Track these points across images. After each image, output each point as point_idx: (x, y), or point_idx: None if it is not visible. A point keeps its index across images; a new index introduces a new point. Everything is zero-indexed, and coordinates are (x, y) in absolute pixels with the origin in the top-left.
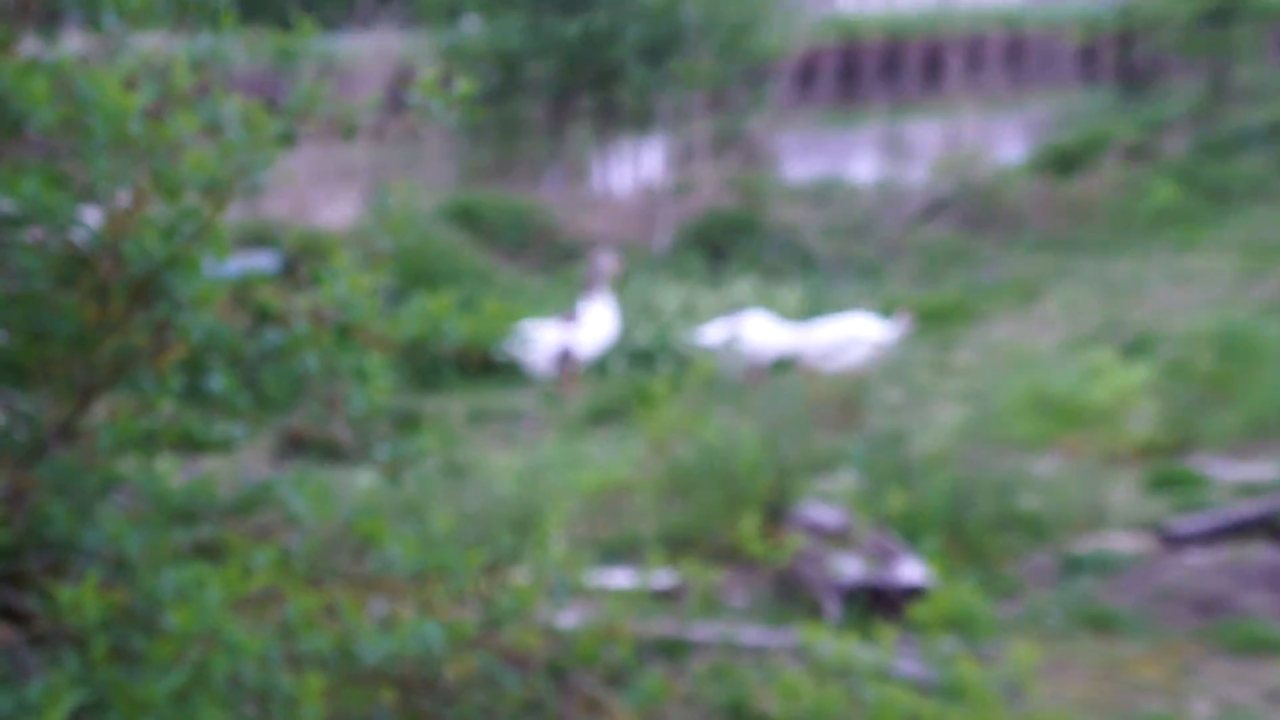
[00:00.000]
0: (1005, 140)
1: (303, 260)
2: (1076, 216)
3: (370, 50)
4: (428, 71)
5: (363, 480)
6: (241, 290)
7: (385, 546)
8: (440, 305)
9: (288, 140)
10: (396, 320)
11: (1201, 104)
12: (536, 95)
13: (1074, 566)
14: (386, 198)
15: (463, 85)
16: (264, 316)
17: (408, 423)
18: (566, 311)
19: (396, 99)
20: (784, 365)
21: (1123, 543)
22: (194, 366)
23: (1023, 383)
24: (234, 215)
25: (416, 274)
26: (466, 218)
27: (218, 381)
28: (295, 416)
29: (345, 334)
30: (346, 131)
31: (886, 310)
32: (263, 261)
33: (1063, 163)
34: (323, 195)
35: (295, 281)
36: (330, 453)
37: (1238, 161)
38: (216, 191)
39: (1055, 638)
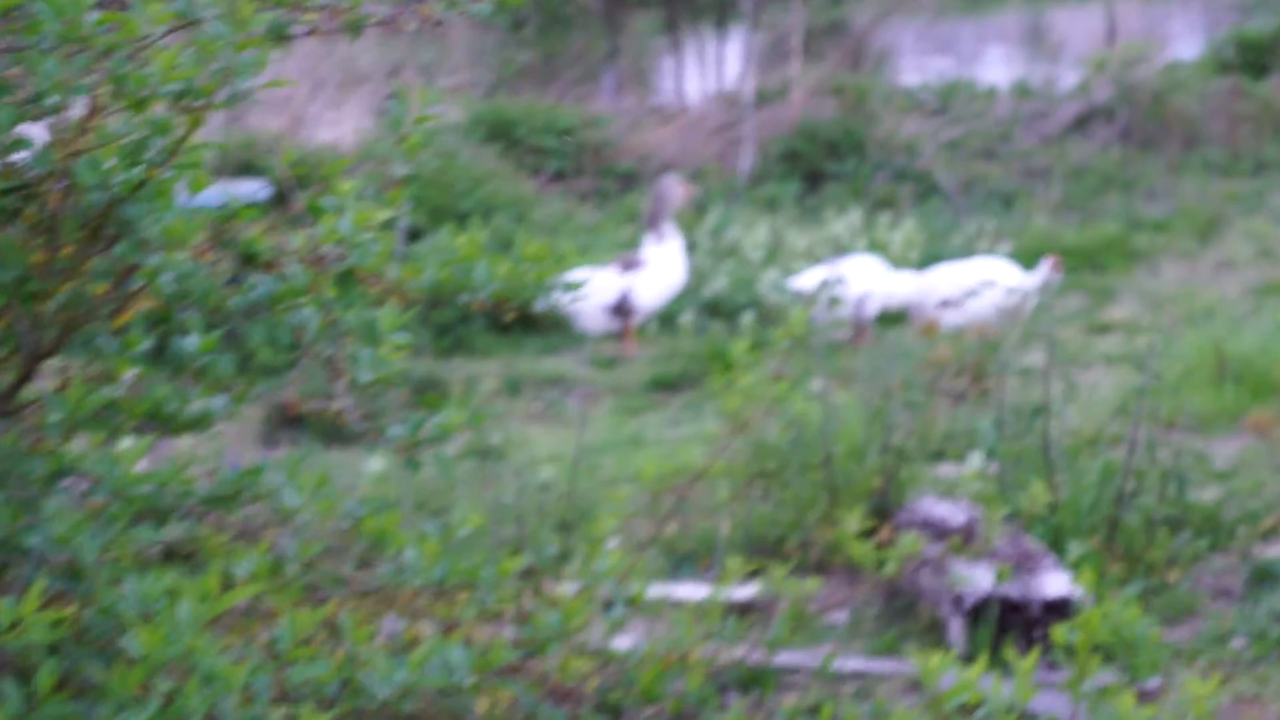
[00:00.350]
0: (1178, 31)
1: (299, 189)
2: (1270, 128)
3: None
4: None
5: (373, 466)
6: (223, 227)
7: (400, 550)
8: (469, 245)
9: (280, 36)
10: (414, 264)
11: None
12: None
13: (1263, 577)
14: (402, 109)
15: None
16: (250, 260)
17: (429, 393)
18: (626, 253)
19: None
20: (896, 321)
21: None
22: (163, 323)
23: (1199, 343)
24: (215, 132)
25: (440, 206)
26: (502, 134)
27: (193, 342)
28: (289, 386)
29: (350, 282)
30: (351, 25)
31: (1025, 251)
32: (250, 191)
33: (1253, 58)
34: (325, 108)
35: (289, 216)
36: (333, 432)
37: None
38: (192, 102)
39: (1240, 667)
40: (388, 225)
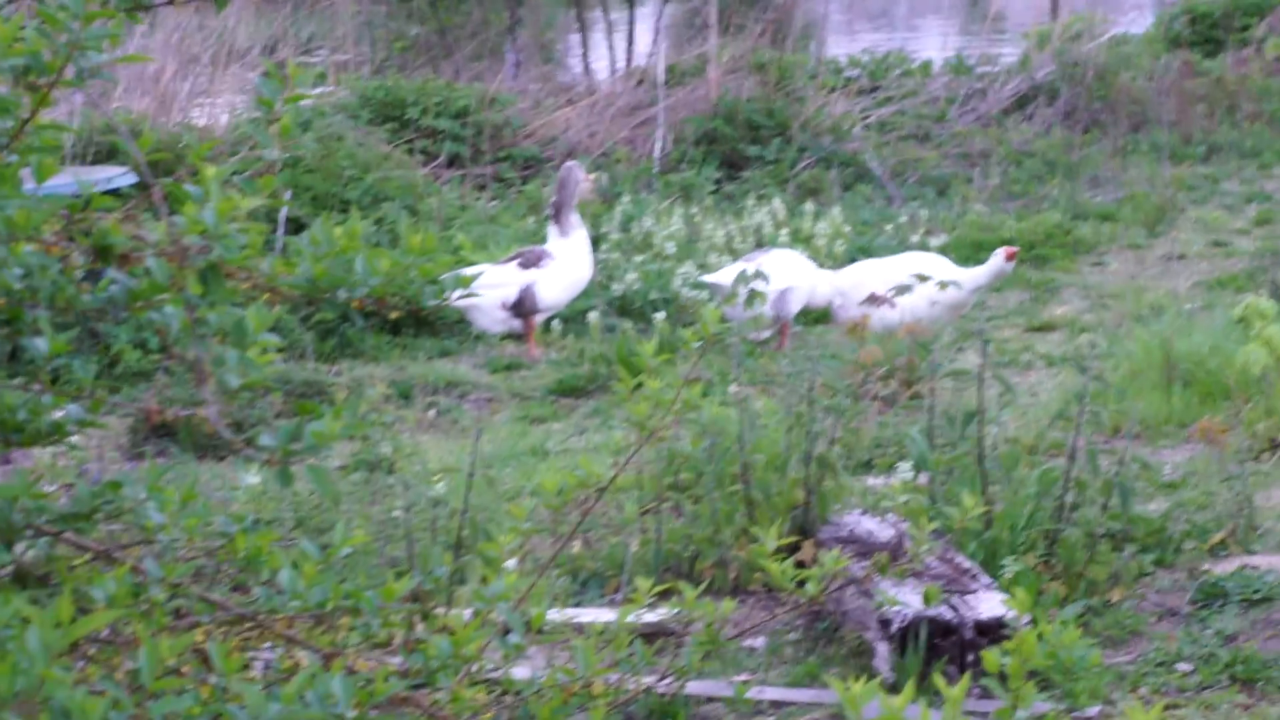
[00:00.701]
0: (1126, 3)
1: (162, 176)
2: (1222, 109)
3: None
4: None
5: (250, 480)
6: (76, 217)
7: (276, 571)
8: (350, 237)
9: (135, 6)
10: (288, 258)
11: None
12: None
13: (1212, 596)
14: (276, 88)
15: None
16: (106, 253)
17: (310, 399)
18: (528, 246)
19: None
20: (821, 319)
21: (1279, 564)
22: (11, 323)
23: (1146, 342)
24: (71, 114)
25: (324, 194)
26: (392, 116)
27: (43, 344)
28: (152, 392)
29: (215, 277)
30: None
31: (961, 243)
32: (107, 178)
33: (1206, 33)
34: (197, 87)
35: (150, 206)
36: (206, 442)
37: None
38: (37, 79)
39: (1186, 694)
40: (257, 215)
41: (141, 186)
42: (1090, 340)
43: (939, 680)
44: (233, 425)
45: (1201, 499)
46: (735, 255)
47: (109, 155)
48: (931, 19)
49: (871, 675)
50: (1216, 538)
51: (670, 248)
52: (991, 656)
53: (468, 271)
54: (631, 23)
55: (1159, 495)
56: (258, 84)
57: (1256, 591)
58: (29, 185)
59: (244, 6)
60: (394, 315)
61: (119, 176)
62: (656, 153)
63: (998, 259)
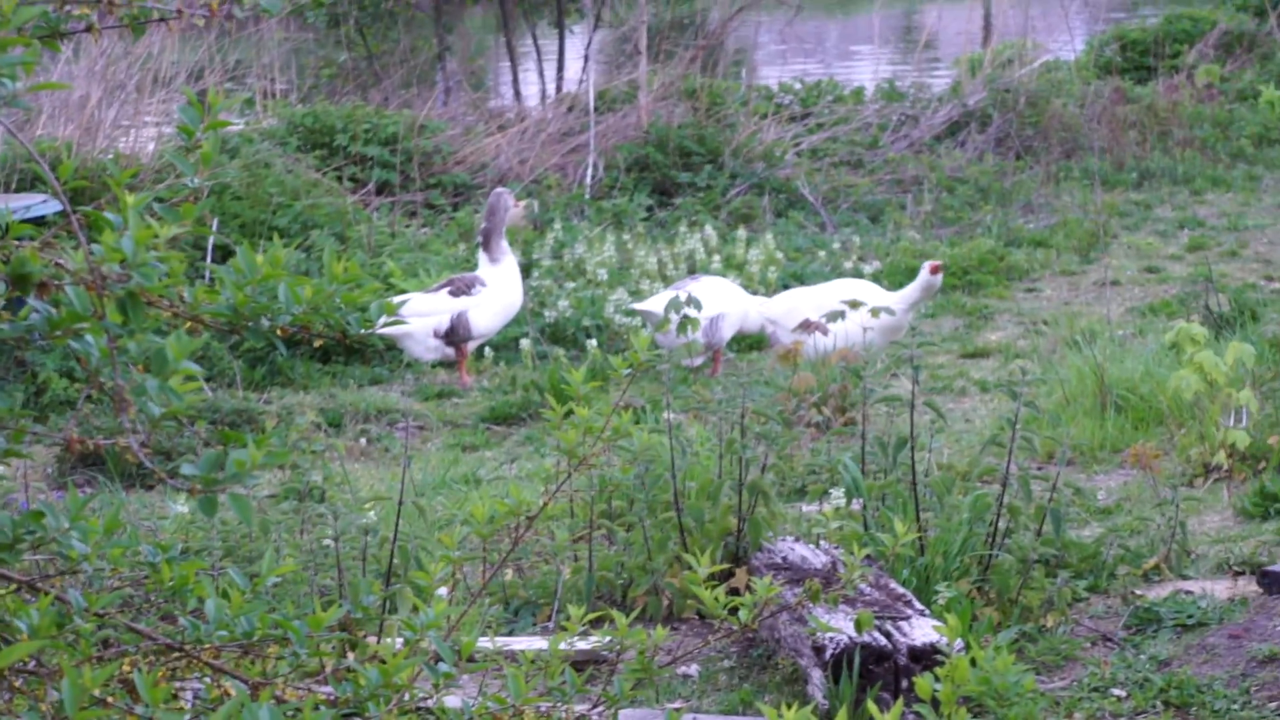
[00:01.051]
0: (1057, 28)
1: (86, 204)
2: (1154, 136)
3: None
4: None
5: (178, 509)
6: None
7: (202, 601)
8: (273, 264)
9: (52, 34)
10: (210, 286)
11: None
12: None
13: (1146, 620)
14: (196, 116)
15: None
16: (24, 281)
17: (239, 427)
18: (459, 273)
19: None
20: (754, 346)
21: (1213, 588)
22: None
23: (1080, 368)
24: None
25: (253, 221)
26: (321, 143)
27: None
28: (74, 421)
29: (135, 305)
30: (134, 21)
31: (894, 270)
32: (30, 206)
33: (1136, 59)
34: (122, 114)
35: (69, 234)
36: (134, 472)
37: None
38: None
39: (1121, 719)
40: (184, 243)
41: (66, 214)
42: (1023, 366)
43: (873, 707)
44: (162, 454)
45: (1135, 524)
46: (667, 282)
47: (32, 183)
48: (864, 46)
49: (805, 702)
50: (1150, 563)
51: (602, 274)
52: (925, 683)
53: (396, 299)
54: (561, 49)
55: (1092, 521)
56: (179, 111)
57: (1190, 616)
58: None
59: (169, 33)
60: (318, 343)
61: (40, 204)
62: (588, 179)
63: (924, 273)
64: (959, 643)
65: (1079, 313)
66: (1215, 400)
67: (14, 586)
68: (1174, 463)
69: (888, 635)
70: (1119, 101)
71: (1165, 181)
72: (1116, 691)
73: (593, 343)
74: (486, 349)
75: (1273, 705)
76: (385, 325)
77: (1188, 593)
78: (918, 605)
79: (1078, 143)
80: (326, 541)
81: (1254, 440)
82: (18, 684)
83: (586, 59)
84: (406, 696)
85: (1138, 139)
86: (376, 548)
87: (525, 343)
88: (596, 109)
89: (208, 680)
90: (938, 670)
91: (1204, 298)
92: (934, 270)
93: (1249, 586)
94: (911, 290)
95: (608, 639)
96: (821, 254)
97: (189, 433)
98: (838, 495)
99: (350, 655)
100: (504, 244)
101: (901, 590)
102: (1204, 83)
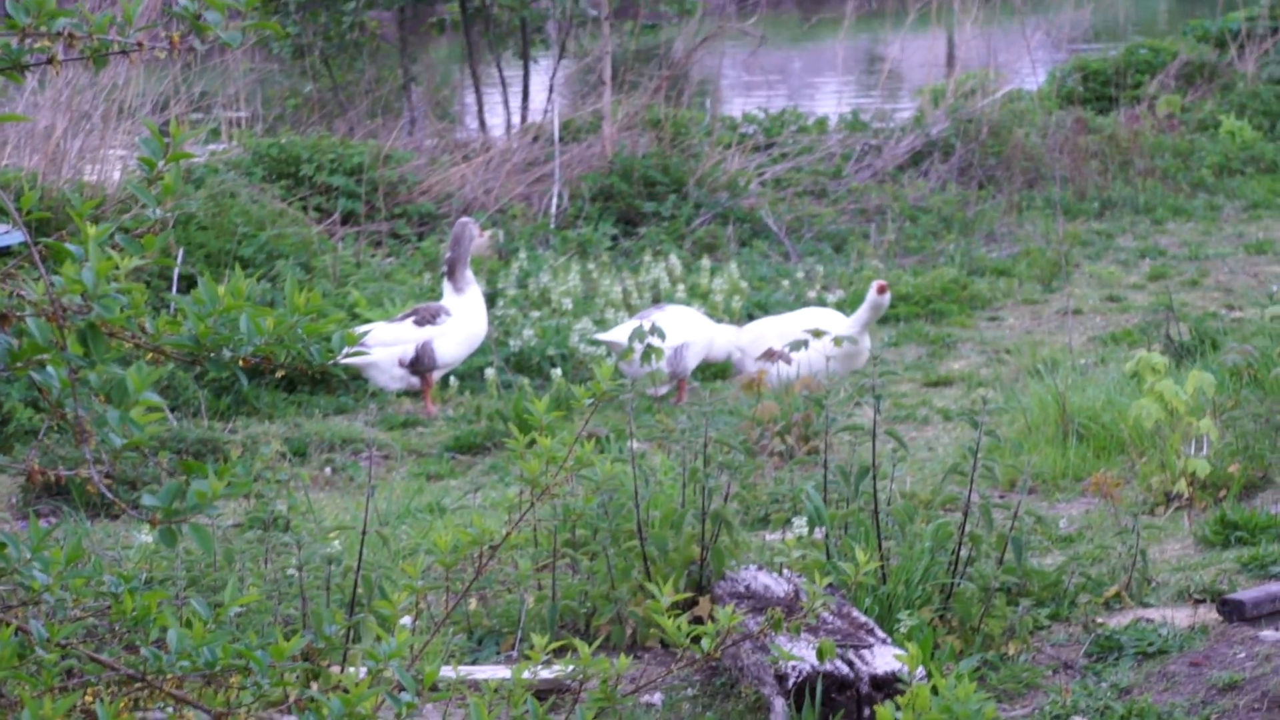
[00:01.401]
0: (1019, 59)
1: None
2: (1115, 166)
3: None
4: None
5: (142, 538)
6: None
7: (165, 631)
8: (235, 295)
9: (13, 66)
10: (171, 317)
11: None
12: (380, 1)
13: (1107, 648)
14: (158, 147)
15: None
16: None
17: (203, 457)
18: (424, 303)
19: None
20: (718, 375)
21: (1174, 616)
22: None
23: (1041, 397)
24: None
25: (218, 252)
26: (287, 173)
27: None
28: (35, 452)
29: (96, 337)
30: (96, 54)
31: (858, 299)
32: None
33: (1098, 90)
34: (88, 144)
35: (30, 264)
36: (99, 501)
37: None
38: None
39: None
40: (149, 273)
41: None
42: (986, 395)
43: None
44: (126, 484)
45: (1096, 552)
46: (632, 311)
47: None
48: (827, 76)
49: None
50: (1111, 591)
51: (567, 304)
52: (886, 711)
53: (360, 329)
54: (526, 79)
55: (1054, 549)
56: (141, 143)
57: (1151, 644)
58: None
59: (133, 64)
60: (281, 374)
61: (3, 235)
62: (553, 209)
63: (871, 293)
64: (920, 671)
65: (1041, 341)
66: (1176, 429)
67: None
68: (1135, 491)
69: (850, 664)
70: (1081, 131)
71: (1127, 211)
72: (1078, 719)
73: (557, 372)
74: (451, 378)
75: None
76: (349, 355)
77: (1148, 621)
78: (880, 634)
79: (1040, 172)
80: (290, 571)
81: (1214, 469)
82: None
83: (551, 89)
84: None
85: (1099, 169)
86: (340, 577)
87: (490, 372)
88: (561, 139)
89: (170, 710)
90: (899, 699)
91: (1165, 327)
92: (881, 290)
93: (1209, 614)
94: (861, 312)
95: (571, 668)
96: (785, 283)
97: (153, 462)
98: (800, 524)
99: (313, 685)
100: (469, 273)
101: (864, 619)
102: (1165, 113)
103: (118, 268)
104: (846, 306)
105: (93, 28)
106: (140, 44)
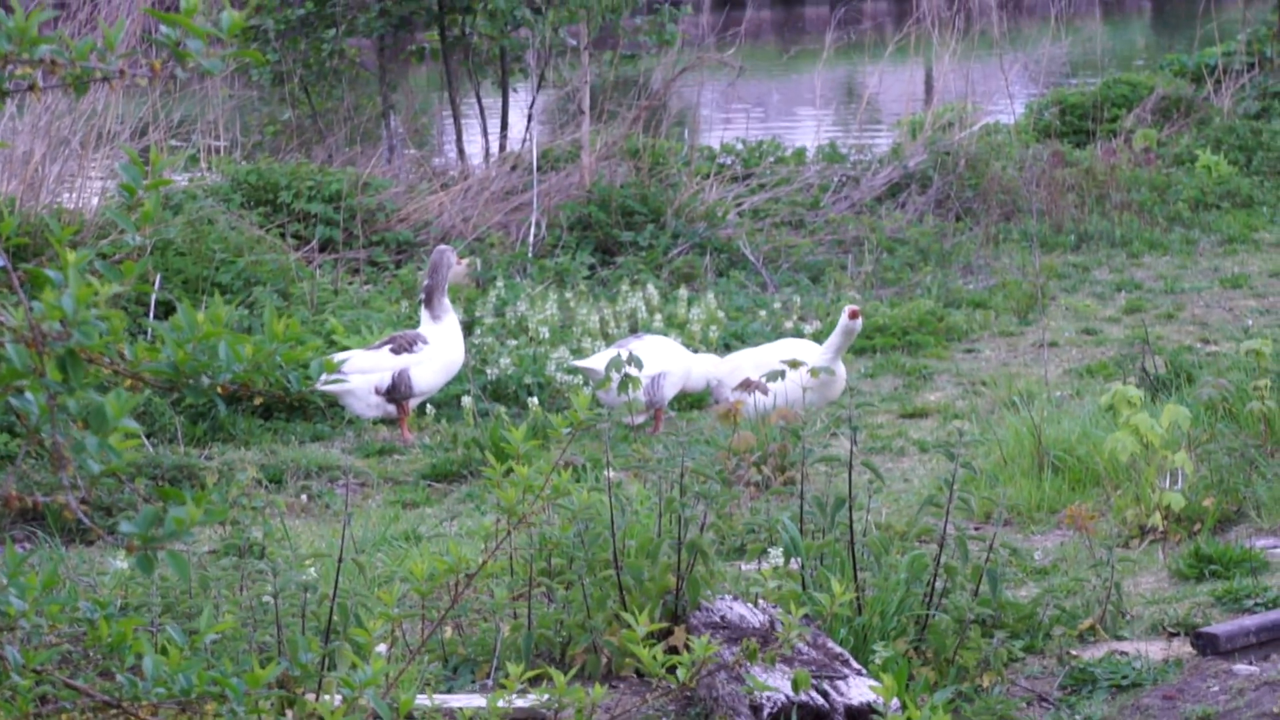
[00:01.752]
0: (997, 92)
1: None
2: (1092, 199)
3: None
4: None
5: (118, 565)
6: None
7: (141, 657)
8: (214, 322)
9: None
10: (149, 344)
11: (1264, 41)
12: (360, 29)
13: (1082, 681)
14: (138, 174)
15: (231, 17)
16: None
17: (180, 484)
18: (401, 331)
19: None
20: (695, 404)
21: (1148, 649)
22: None
23: (1017, 429)
24: None
25: (195, 278)
26: (265, 199)
27: None
28: (11, 477)
29: (75, 363)
30: (75, 80)
31: (833, 328)
32: None
33: (1075, 123)
34: (67, 170)
35: (9, 290)
36: (75, 527)
37: None
38: None
39: None
40: (127, 299)
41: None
42: (961, 427)
43: None
44: (102, 510)
45: (1071, 585)
46: (609, 340)
47: None
48: (806, 108)
49: None
50: (1085, 624)
51: (544, 332)
52: None
53: (338, 356)
54: (505, 108)
55: (1029, 581)
56: (120, 169)
57: (1125, 677)
58: None
59: (113, 91)
60: (259, 401)
61: None
62: (530, 238)
63: (843, 319)
64: (895, 702)
65: (1017, 374)
66: (1151, 462)
67: None
68: (1110, 524)
69: (825, 695)
70: (1058, 165)
71: (1103, 244)
72: None
73: (534, 400)
74: (428, 406)
75: None
76: (327, 382)
77: (1123, 654)
78: (855, 665)
79: (1017, 205)
80: (266, 598)
81: (1189, 502)
82: None
83: (530, 118)
84: None
85: (1076, 202)
86: (316, 605)
87: (467, 400)
88: (540, 168)
89: None
90: None
91: (1140, 360)
92: (852, 315)
93: (1183, 648)
94: (834, 338)
95: (546, 697)
96: (763, 313)
97: (129, 489)
98: (776, 554)
99: (288, 713)
100: (446, 301)
101: (839, 649)
102: (1141, 147)
103: (97, 294)
104: (823, 337)
105: (74, 54)
106: (122, 71)
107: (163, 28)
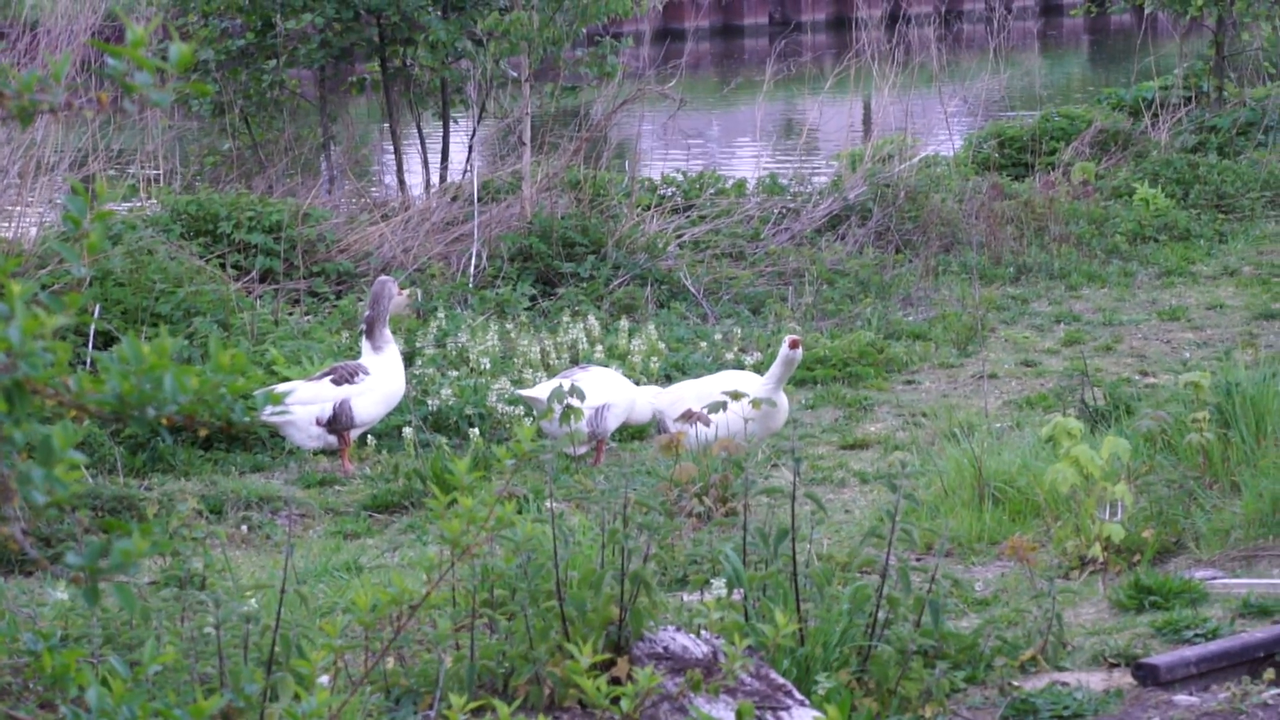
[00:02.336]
0: (936, 124)
1: None
2: (1031, 231)
3: None
4: (137, 28)
5: (58, 595)
6: None
7: (83, 689)
8: (159, 354)
9: None
10: (92, 375)
11: (1201, 76)
12: (301, 60)
13: (1023, 711)
14: (82, 205)
15: (178, 49)
16: None
17: (120, 514)
18: (341, 361)
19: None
20: (636, 436)
21: (1089, 680)
22: None
23: (958, 460)
24: None
25: (135, 308)
26: (204, 230)
27: None
28: None
29: (21, 394)
30: (21, 112)
31: (773, 359)
32: None
33: (1014, 156)
34: (5, 200)
35: None
36: (13, 557)
37: (1248, 158)
38: None
39: None
40: (66, 330)
41: None
42: (903, 458)
43: None
44: (41, 540)
45: (1012, 615)
46: (551, 371)
47: None
48: (746, 140)
49: None
50: (1027, 654)
51: (485, 363)
52: None
53: (280, 388)
54: (446, 139)
55: (970, 612)
56: (65, 201)
57: (1066, 708)
58: None
59: (52, 120)
60: (203, 432)
61: None
62: (471, 268)
63: (784, 349)
64: None
65: (957, 405)
66: (1091, 494)
67: None
68: (1050, 555)
69: None
70: (997, 197)
71: (1042, 276)
72: None
73: (475, 431)
74: (369, 437)
75: None
76: (269, 414)
77: (1064, 684)
78: (798, 695)
79: (956, 237)
80: (208, 629)
81: (1129, 533)
82: None
83: (471, 149)
84: None
85: (1015, 234)
86: (258, 635)
87: (408, 431)
88: (480, 199)
89: None
90: None
91: (1080, 392)
92: (793, 345)
93: (1124, 678)
94: (775, 368)
95: None
96: (703, 345)
97: (70, 520)
98: (719, 585)
99: None
100: (387, 332)
101: (782, 680)
102: (1080, 180)
103: (43, 325)
104: (764, 368)
105: (20, 86)
106: (69, 104)
107: (110, 60)
